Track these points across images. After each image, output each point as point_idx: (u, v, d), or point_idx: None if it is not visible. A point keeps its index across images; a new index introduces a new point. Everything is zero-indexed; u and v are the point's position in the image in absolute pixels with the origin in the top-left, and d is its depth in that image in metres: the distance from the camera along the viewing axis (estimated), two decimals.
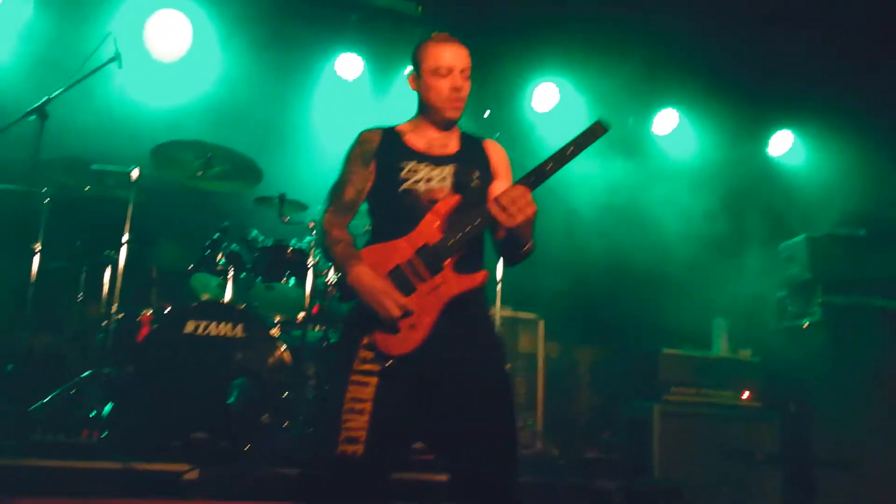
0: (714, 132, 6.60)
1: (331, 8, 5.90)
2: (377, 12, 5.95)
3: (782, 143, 6.74)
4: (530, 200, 2.24)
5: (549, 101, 6.38)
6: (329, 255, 2.43)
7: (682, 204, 6.02)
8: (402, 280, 2.31)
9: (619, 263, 5.86)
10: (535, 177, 2.28)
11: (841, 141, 6.27)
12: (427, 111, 2.55)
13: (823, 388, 4.96)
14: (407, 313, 2.27)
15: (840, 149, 6.30)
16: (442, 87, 2.47)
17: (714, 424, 4.91)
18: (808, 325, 5.18)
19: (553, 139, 6.27)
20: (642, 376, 5.20)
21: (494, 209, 2.25)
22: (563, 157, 2.29)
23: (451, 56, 2.48)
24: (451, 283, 2.32)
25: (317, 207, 4.72)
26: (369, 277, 2.29)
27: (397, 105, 6.01)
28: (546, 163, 2.29)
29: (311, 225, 4.54)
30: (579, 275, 5.79)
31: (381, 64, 6.14)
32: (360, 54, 6.03)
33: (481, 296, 2.47)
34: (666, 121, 6.55)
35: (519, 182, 2.29)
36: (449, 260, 2.33)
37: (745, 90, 6.31)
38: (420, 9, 5.88)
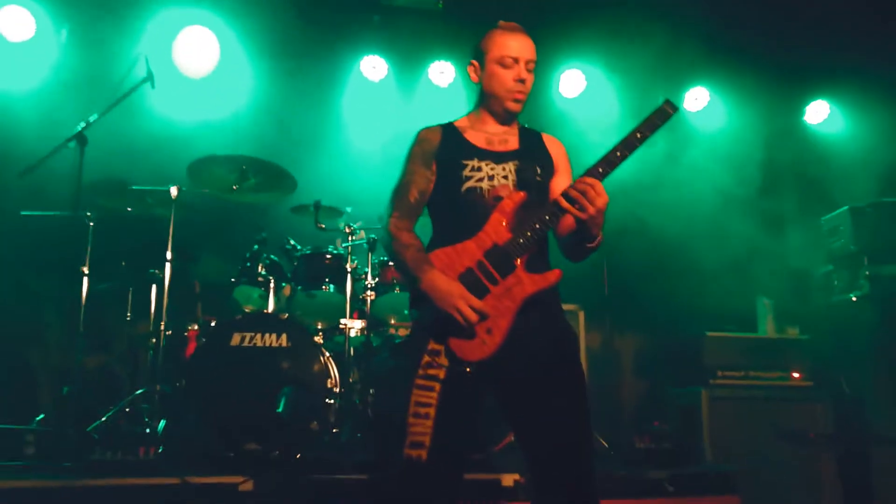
0: (747, 106, 6.44)
1: (353, 11, 5.91)
2: (398, 11, 5.94)
3: (818, 114, 6.58)
4: (601, 191, 2.16)
5: (577, 86, 6.33)
6: (398, 261, 2.34)
7: (718, 181, 5.89)
8: (474, 283, 2.23)
9: (656, 246, 5.76)
10: (604, 166, 2.20)
11: (879, 106, 6.08)
12: (488, 102, 2.49)
13: (875, 363, 4.83)
14: (483, 317, 2.20)
15: (879, 114, 6.11)
16: (506, 77, 2.42)
17: (764, 407, 4.80)
18: (857, 299, 5.06)
19: (583, 125, 6.22)
20: (688, 362, 5.12)
21: (564, 203, 2.19)
22: (632, 142, 2.22)
23: (518, 46, 2.44)
24: (524, 283, 2.24)
25: (347, 209, 4.76)
26: (444, 283, 2.21)
27: (424, 103, 5.99)
28: (614, 150, 2.21)
29: (348, 230, 4.58)
30: (616, 261, 5.71)
31: (405, 63, 6.14)
32: (383, 55, 6.04)
33: (555, 295, 2.40)
34: (697, 98, 6.43)
35: (587, 172, 2.21)
36: (520, 259, 2.26)
37: (775, 61, 6.14)
38: (440, 3, 5.85)
